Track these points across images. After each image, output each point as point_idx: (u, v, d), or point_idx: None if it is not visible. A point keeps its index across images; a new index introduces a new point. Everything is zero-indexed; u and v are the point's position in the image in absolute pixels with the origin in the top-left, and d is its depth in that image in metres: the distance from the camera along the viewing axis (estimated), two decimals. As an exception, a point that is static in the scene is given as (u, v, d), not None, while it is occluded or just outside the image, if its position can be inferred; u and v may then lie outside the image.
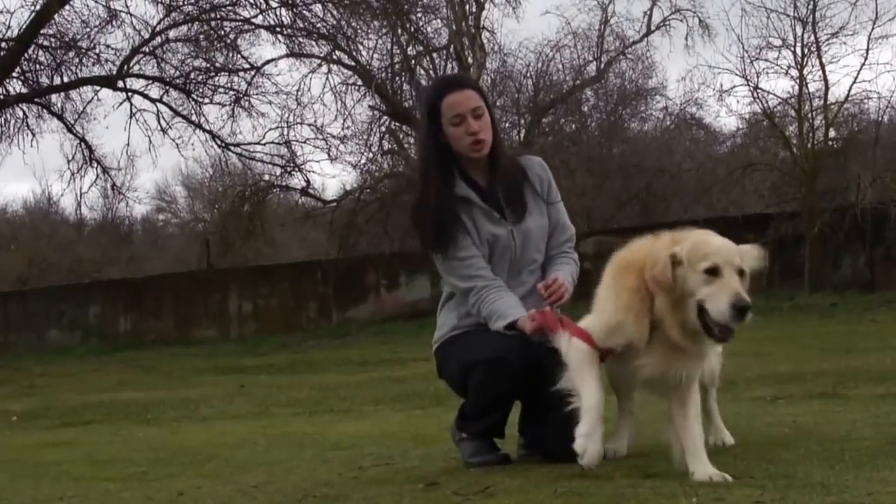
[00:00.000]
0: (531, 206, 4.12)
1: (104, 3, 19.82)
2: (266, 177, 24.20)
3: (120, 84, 20.94)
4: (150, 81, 21.25)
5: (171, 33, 20.91)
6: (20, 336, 23.47)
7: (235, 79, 21.49)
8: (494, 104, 23.51)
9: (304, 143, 22.40)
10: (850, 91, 19.41)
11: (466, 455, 4.11)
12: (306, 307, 22.08)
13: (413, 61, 22.57)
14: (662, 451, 4.06)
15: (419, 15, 22.03)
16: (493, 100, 23.81)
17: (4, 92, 20.16)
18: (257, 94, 21.48)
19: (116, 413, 8.89)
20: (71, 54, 20.26)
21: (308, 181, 23.59)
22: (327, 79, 21.71)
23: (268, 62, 21.75)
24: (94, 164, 22.19)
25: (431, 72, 22.88)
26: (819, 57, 19.39)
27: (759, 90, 19.99)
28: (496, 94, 24.33)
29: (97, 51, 20.43)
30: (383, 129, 22.97)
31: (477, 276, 4.03)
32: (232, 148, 22.33)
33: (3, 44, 19.69)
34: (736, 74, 20.23)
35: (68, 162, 22.11)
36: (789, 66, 19.69)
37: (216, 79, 21.42)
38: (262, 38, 21.61)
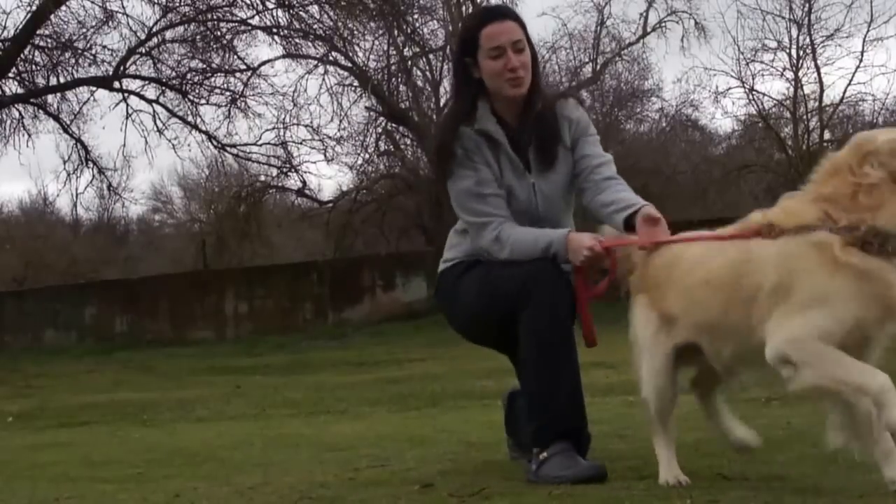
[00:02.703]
0: (560, 157, 3.75)
1: (100, 4, 19.84)
2: (262, 178, 24.25)
3: (116, 85, 20.93)
4: (147, 82, 21.26)
5: (168, 34, 20.92)
6: (16, 336, 23.44)
7: (232, 80, 21.53)
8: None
9: (301, 144, 22.44)
10: (844, 93, 19.53)
11: (559, 471, 3.46)
12: (302, 308, 22.09)
13: (409, 62, 22.60)
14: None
15: (415, 16, 22.06)
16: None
17: (0, 92, 20.14)
18: (254, 94, 21.52)
19: (113, 414, 8.88)
20: (67, 55, 20.25)
21: (304, 182, 23.63)
22: (324, 80, 21.76)
23: (264, 63, 21.79)
24: (90, 165, 22.21)
25: (428, 73, 22.91)
26: (814, 59, 19.50)
27: (754, 92, 20.11)
28: (492, 95, 24.37)
29: (93, 51, 20.46)
30: (379, 130, 23.00)
31: (495, 214, 3.67)
32: (228, 149, 22.35)
33: (0, 44, 19.67)
34: (731, 76, 20.37)
35: (64, 162, 22.14)
36: (784, 68, 19.81)
37: (212, 80, 21.44)
38: (259, 39, 21.67)
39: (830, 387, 2.90)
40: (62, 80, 20.52)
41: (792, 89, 19.64)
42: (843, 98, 19.62)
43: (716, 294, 3.15)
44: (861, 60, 19.20)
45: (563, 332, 3.66)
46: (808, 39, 19.50)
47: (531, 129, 3.73)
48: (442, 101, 22.22)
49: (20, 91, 20.62)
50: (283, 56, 21.65)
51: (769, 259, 3.04)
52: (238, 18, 20.88)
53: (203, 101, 21.43)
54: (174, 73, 21.10)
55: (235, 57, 21.27)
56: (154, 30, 20.52)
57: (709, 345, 3.23)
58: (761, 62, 20.02)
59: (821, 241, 2.97)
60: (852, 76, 19.25)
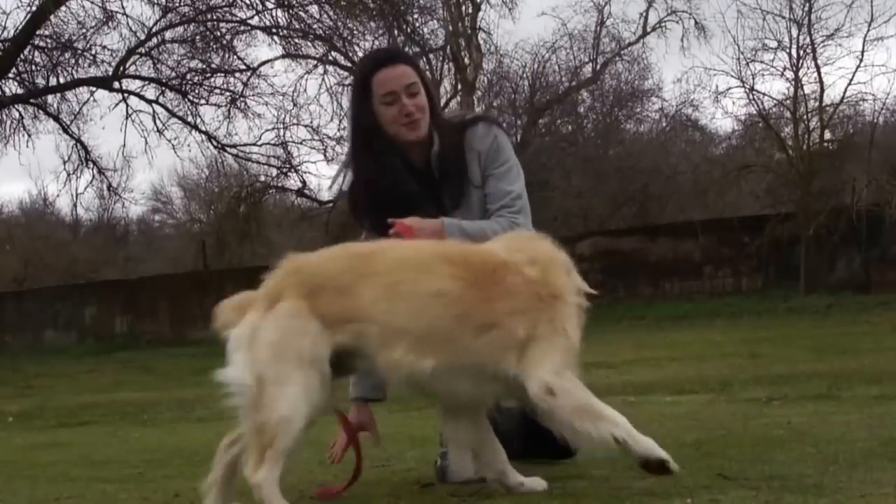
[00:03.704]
0: (471, 194, 3.71)
1: (100, 4, 19.83)
2: (262, 178, 24.26)
3: (116, 85, 20.92)
4: (147, 82, 21.26)
5: (168, 34, 20.91)
6: (16, 337, 23.44)
7: (231, 80, 21.52)
8: (491, 105, 23.54)
9: (301, 144, 22.45)
10: (845, 93, 19.50)
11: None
12: (302, 308, 22.08)
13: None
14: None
15: (415, 16, 22.05)
16: (490, 101, 23.85)
17: (0, 93, 20.14)
18: (253, 95, 21.52)
19: (113, 414, 8.89)
20: (67, 55, 20.25)
21: (304, 182, 23.64)
22: (323, 80, 21.75)
23: (264, 63, 21.79)
24: (90, 165, 22.20)
25: (427, 73, 22.89)
26: (814, 59, 19.48)
27: (754, 92, 20.08)
28: (492, 95, 24.39)
29: (93, 52, 20.46)
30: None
31: None
32: (228, 149, 22.34)
33: (0, 44, 19.67)
34: (731, 76, 20.33)
35: (64, 163, 22.13)
36: (785, 68, 19.78)
37: (212, 80, 21.44)
38: (259, 40, 21.65)
39: None
40: (62, 80, 20.52)
41: (792, 89, 19.63)
42: (843, 98, 19.61)
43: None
44: (861, 60, 19.19)
45: None
46: (808, 39, 19.50)
47: (436, 168, 3.70)
48: (442, 101, 22.22)
49: (20, 91, 20.62)
50: (283, 56, 21.66)
51: None
52: (238, 18, 20.89)
53: (203, 101, 21.44)
54: (174, 74, 21.10)
55: (235, 57, 21.29)
56: (154, 30, 20.52)
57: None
58: (761, 62, 20.02)
59: None
60: (853, 76, 19.25)
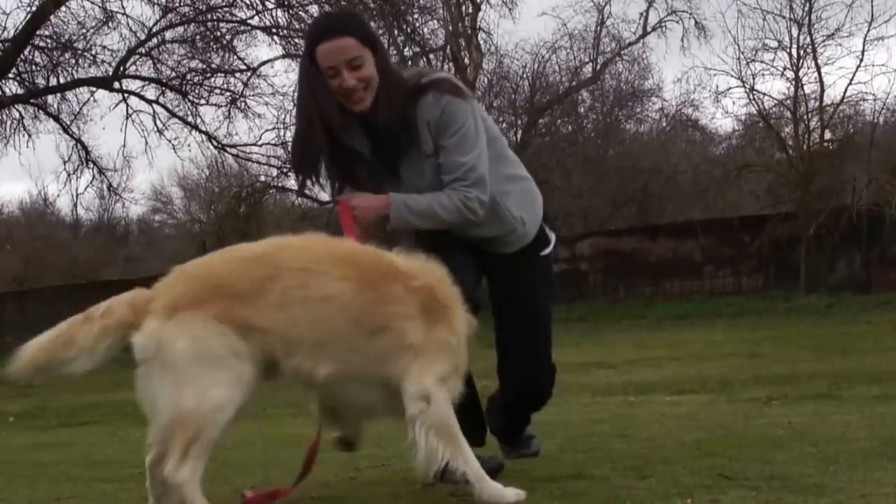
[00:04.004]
0: (421, 159, 3.65)
1: (100, 5, 19.80)
2: (262, 178, 24.26)
3: (116, 85, 20.91)
4: (147, 83, 21.24)
5: (168, 34, 20.90)
6: (16, 337, 23.09)
7: (232, 80, 21.49)
8: (491, 105, 23.53)
9: (301, 144, 22.39)
10: (845, 93, 19.51)
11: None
12: (303, 308, 22.08)
13: (409, 62, 22.59)
14: (658, 452, 4.08)
15: (416, 16, 22.05)
16: (490, 101, 23.84)
17: (0, 93, 20.14)
18: (253, 95, 21.49)
19: (113, 414, 8.89)
20: (67, 55, 20.23)
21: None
22: (323, 80, 21.74)
23: (264, 63, 21.77)
24: (91, 165, 22.18)
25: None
26: (815, 59, 19.48)
27: (754, 92, 20.08)
28: (493, 95, 24.38)
29: (93, 52, 20.42)
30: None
31: None
32: (228, 149, 22.33)
33: (0, 44, 19.67)
34: (732, 76, 20.36)
35: (64, 163, 22.11)
36: (785, 68, 19.79)
37: (212, 80, 21.42)
38: (259, 40, 21.64)
39: None
40: (62, 80, 20.50)
41: (792, 89, 19.64)
42: (843, 98, 19.61)
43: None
44: (862, 60, 19.20)
45: None
46: (808, 39, 19.50)
47: (383, 140, 3.64)
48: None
49: (20, 91, 20.60)
50: (283, 56, 21.63)
51: None
52: (238, 18, 20.87)
53: (203, 101, 21.42)
54: (174, 74, 21.09)
55: (235, 57, 21.27)
56: (154, 30, 20.51)
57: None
58: (762, 62, 20.03)
59: None
60: (853, 76, 19.26)
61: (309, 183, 3.81)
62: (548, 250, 3.99)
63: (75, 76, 20.52)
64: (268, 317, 3.01)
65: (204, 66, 21.22)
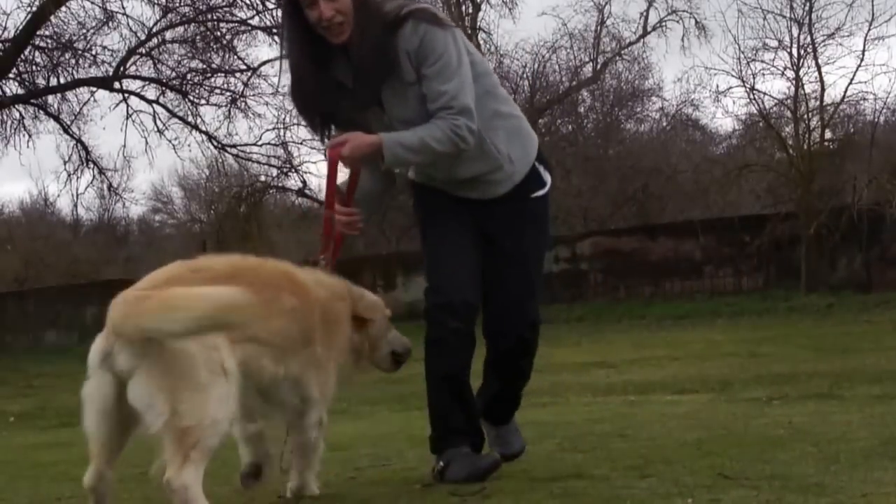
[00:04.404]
0: (406, 93, 3.66)
1: (101, 5, 19.81)
2: (262, 178, 24.26)
3: (116, 85, 20.92)
4: (147, 83, 21.25)
5: (168, 34, 20.91)
6: (17, 337, 23.43)
7: (232, 80, 21.50)
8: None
9: (301, 144, 22.45)
10: (846, 92, 19.50)
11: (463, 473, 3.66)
12: (303, 308, 22.07)
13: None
14: (658, 452, 4.08)
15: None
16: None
17: (1, 93, 20.13)
18: (254, 95, 21.50)
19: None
20: (67, 55, 20.23)
21: (304, 182, 23.66)
22: (324, 80, 21.73)
23: (264, 63, 21.77)
24: (91, 165, 22.18)
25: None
26: (815, 58, 19.46)
27: (755, 91, 20.07)
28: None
29: (93, 52, 20.44)
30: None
31: None
32: (228, 149, 22.34)
33: (0, 45, 19.67)
34: (732, 76, 20.33)
35: (65, 163, 22.11)
36: (785, 68, 19.78)
37: (212, 80, 21.43)
38: (259, 40, 21.68)
39: None
40: (62, 80, 20.51)
41: (793, 88, 19.62)
42: (844, 97, 19.60)
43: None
44: (862, 59, 19.18)
45: None
46: (808, 38, 19.49)
47: (361, 71, 3.64)
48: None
49: (21, 92, 20.61)
50: (284, 56, 21.63)
51: None
52: (238, 18, 20.88)
53: (203, 101, 21.43)
54: (174, 74, 21.10)
55: (235, 57, 21.27)
56: (154, 30, 20.52)
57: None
58: (762, 61, 20.01)
59: None
60: (853, 75, 19.24)
61: (326, 131, 3.83)
62: (540, 192, 3.90)
63: (75, 76, 20.53)
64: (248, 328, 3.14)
65: (204, 66, 21.23)
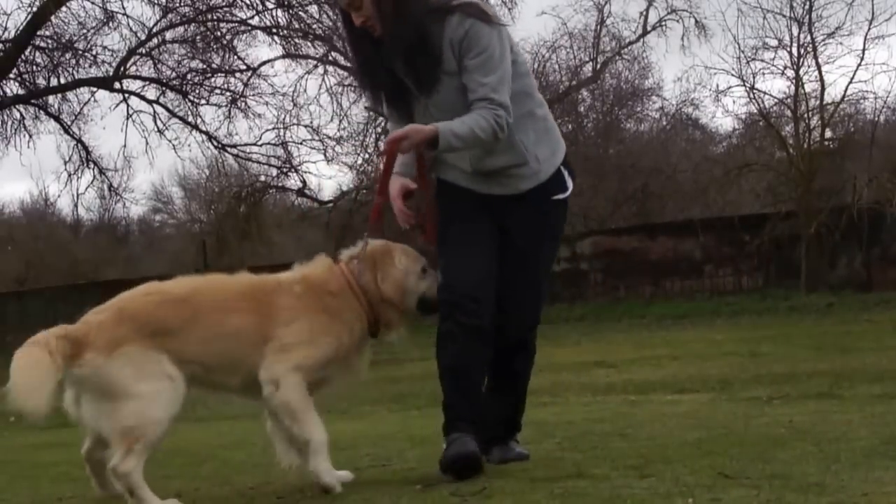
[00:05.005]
0: (443, 77, 3.85)
1: (101, 5, 19.80)
2: (262, 178, 24.24)
3: (116, 85, 20.91)
4: (147, 83, 21.23)
5: (168, 35, 20.90)
6: (17, 337, 23.08)
7: (232, 80, 21.49)
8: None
9: (301, 144, 22.44)
10: (846, 91, 19.46)
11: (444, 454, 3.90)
12: (303, 308, 22.04)
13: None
14: (659, 451, 4.08)
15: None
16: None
17: (1, 93, 20.14)
18: (254, 95, 21.49)
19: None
20: (68, 56, 20.23)
21: (304, 182, 23.62)
22: (323, 80, 21.74)
23: (264, 63, 21.77)
24: (91, 166, 22.17)
25: None
26: (815, 57, 19.42)
27: (755, 91, 20.03)
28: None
29: (94, 52, 20.42)
30: (379, 129, 22.99)
31: None
32: (228, 149, 22.33)
33: (0, 45, 19.67)
34: (732, 75, 20.28)
35: (65, 163, 22.10)
36: (785, 67, 19.74)
37: (213, 80, 21.41)
38: (259, 40, 21.63)
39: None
40: (63, 80, 20.49)
41: (793, 88, 19.58)
42: (844, 96, 19.55)
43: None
44: (862, 58, 19.13)
45: None
46: (809, 37, 19.45)
47: (401, 61, 3.86)
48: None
49: (21, 92, 20.60)
50: (283, 56, 21.63)
51: None
52: (238, 19, 20.86)
53: (203, 101, 21.41)
54: (174, 74, 21.08)
55: (235, 57, 21.26)
56: (154, 30, 20.50)
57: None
58: (762, 60, 19.97)
59: None
60: (853, 74, 19.19)
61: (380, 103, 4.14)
62: (561, 196, 4.11)
63: (76, 76, 20.52)
64: (194, 351, 3.71)
65: (204, 66, 21.22)
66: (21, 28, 19.21)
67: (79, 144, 21.84)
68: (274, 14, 20.65)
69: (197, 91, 21.29)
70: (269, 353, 3.73)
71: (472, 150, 3.88)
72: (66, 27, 20.08)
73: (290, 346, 3.74)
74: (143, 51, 20.71)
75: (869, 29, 19.27)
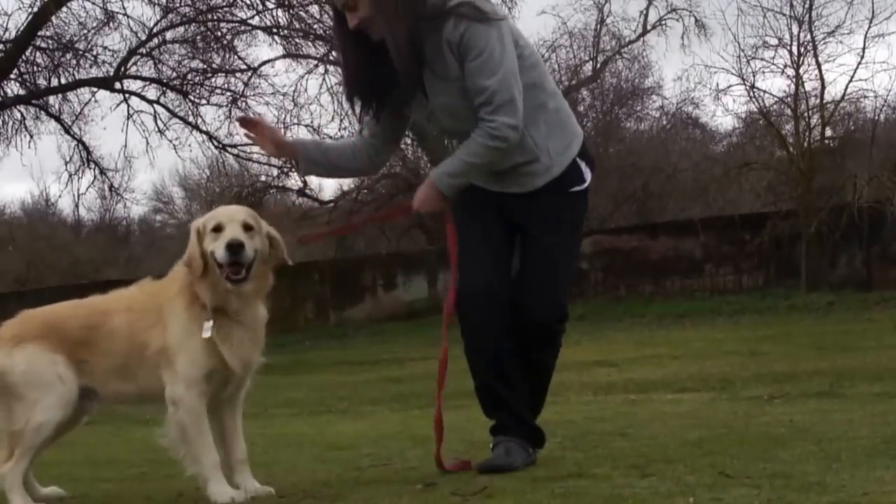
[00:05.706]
0: (448, 84, 3.79)
1: (101, 5, 19.79)
2: (263, 178, 24.25)
3: (117, 86, 20.90)
4: (148, 83, 21.21)
5: (168, 35, 20.88)
6: None
7: (232, 80, 21.46)
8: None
9: (300, 143, 22.39)
10: (846, 90, 19.45)
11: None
12: (303, 308, 22.08)
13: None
14: (659, 451, 4.08)
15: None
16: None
17: (2, 94, 20.13)
18: (254, 95, 21.46)
19: (115, 413, 8.87)
20: (68, 56, 20.22)
21: (305, 182, 23.62)
22: (324, 80, 21.70)
23: (264, 63, 21.74)
24: (92, 166, 22.15)
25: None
26: (815, 56, 19.42)
27: (755, 89, 20.03)
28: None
29: (94, 52, 20.40)
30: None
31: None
32: (229, 149, 22.30)
33: (1, 45, 19.67)
34: (732, 74, 20.27)
35: (66, 163, 22.08)
36: (785, 65, 19.74)
37: (213, 80, 21.40)
38: (259, 40, 21.59)
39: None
40: (63, 81, 20.49)
41: (793, 86, 19.57)
42: (844, 95, 19.55)
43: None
44: (862, 57, 19.13)
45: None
46: (809, 36, 19.45)
47: (398, 65, 3.77)
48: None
49: (22, 92, 20.59)
50: (283, 56, 21.61)
51: None
52: (238, 18, 20.85)
53: (204, 101, 21.39)
54: (175, 74, 21.07)
55: (236, 57, 21.24)
56: (154, 30, 20.49)
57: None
58: (762, 59, 19.97)
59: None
60: (854, 73, 19.18)
61: (369, 111, 4.00)
62: (578, 188, 3.96)
63: (76, 77, 20.51)
64: (98, 359, 3.81)
65: (204, 66, 21.21)
66: (21, 28, 19.20)
67: (79, 145, 21.84)
68: (274, 14, 20.64)
69: (197, 91, 21.28)
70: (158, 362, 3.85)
71: (488, 165, 3.83)
72: (66, 27, 20.08)
73: (174, 355, 3.83)
74: (144, 51, 20.70)
75: (869, 27, 19.28)
